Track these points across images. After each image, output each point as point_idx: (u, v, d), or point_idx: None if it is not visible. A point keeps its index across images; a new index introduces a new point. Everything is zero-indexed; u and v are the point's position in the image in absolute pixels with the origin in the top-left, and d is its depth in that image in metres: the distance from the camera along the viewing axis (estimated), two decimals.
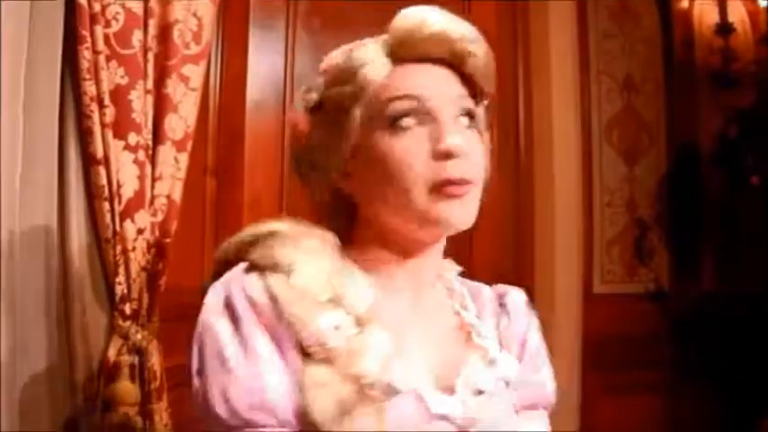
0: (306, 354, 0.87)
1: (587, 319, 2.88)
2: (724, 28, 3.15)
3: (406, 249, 0.98)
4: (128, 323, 1.55)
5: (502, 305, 1.09)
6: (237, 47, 2.00)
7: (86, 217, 1.53)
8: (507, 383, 1.01)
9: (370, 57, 0.95)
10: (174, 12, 1.61)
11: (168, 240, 1.61)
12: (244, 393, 0.85)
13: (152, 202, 1.58)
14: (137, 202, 1.54)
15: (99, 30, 1.48)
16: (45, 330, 1.46)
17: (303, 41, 2.14)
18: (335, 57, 0.99)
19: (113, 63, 1.51)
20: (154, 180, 1.59)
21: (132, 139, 1.53)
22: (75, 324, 1.50)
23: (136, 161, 1.54)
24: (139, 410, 1.55)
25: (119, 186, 1.52)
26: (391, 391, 0.87)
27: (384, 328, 0.90)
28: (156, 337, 1.60)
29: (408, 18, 0.94)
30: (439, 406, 0.90)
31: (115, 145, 1.51)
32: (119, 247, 1.52)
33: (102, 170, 1.50)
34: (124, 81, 1.52)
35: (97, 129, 1.50)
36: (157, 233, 1.60)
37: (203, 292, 0.99)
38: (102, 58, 1.49)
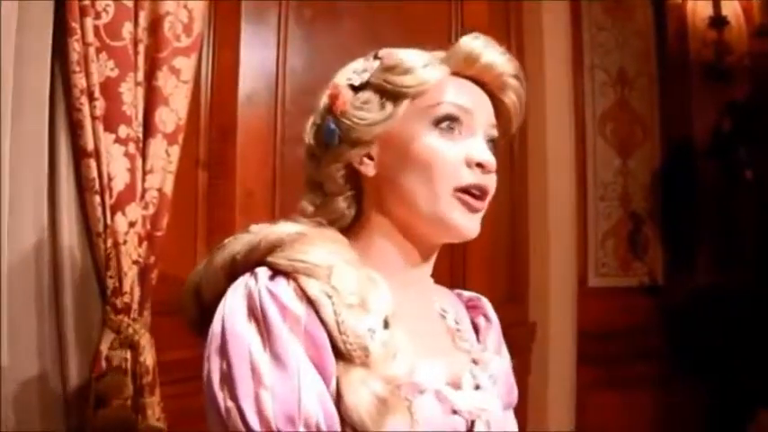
0: (344, 357, 0.86)
1: (582, 312, 2.88)
2: (717, 21, 3.15)
3: (412, 248, 1.00)
4: (119, 317, 1.54)
5: (474, 308, 1.15)
6: (229, 39, 1.99)
7: (77, 210, 1.52)
8: (495, 381, 1.05)
9: (430, 60, 1.01)
10: (165, 4, 1.60)
11: (160, 234, 1.60)
12: (279, 406, 0.82)
13: (143, 196, 1.58)
14: (128, 196, 1.53)
15: (89, 21, 1.47)
16: (36, 325, 1.46)
17: (295, 34, 2.13)
18: (396, 50, 1.03)
19: (103, 55, 1.50)
20: (145, 173, 1.58)
21: (123, 131, 1.52)
22: (67, 318, 1.49)
23: (126, 154, 1.53)
24: (132, 404, 1.54)
25: (109, 179, 1.51)
26: (417, 391, 0.90)
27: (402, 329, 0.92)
28: (149, 331, 1.59)
29: (476, 41, 1.02)
30: (455, 403, 0.94)
31: (106, 138, 1.50)
32: (110, 241, 1.51)
33: (92, 163, 1.50)
34: (114, 73, 1.51)
35: (87, 121, 1.49)
36: (149, 226, 1.59)
37: (194, 290, 0.98)
38: (92, 50, 1.48)
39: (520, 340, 2.59)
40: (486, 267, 2.54)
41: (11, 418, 1.39)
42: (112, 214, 1.52)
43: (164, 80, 1.60)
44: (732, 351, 2.86)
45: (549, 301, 2.81)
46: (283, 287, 0.87)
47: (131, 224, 1.54)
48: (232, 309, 0.88)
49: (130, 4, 1.54)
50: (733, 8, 3.21)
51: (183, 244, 1.84)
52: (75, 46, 1.46)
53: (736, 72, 3.13)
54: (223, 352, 0.86)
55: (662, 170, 3.19)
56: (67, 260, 1.50)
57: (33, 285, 1.46)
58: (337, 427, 0.84)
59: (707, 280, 3.09)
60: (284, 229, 0.94)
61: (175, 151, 1.63)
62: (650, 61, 3.21)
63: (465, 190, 0.97)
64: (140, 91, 1.56)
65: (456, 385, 0.97)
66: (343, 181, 1.02)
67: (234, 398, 0.83)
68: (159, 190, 1.60)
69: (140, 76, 1.56)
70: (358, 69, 1.03)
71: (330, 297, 0.87)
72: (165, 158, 1.61)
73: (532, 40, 2.81)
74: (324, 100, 1.04)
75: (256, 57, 2.06)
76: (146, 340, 1.57)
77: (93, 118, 1.49)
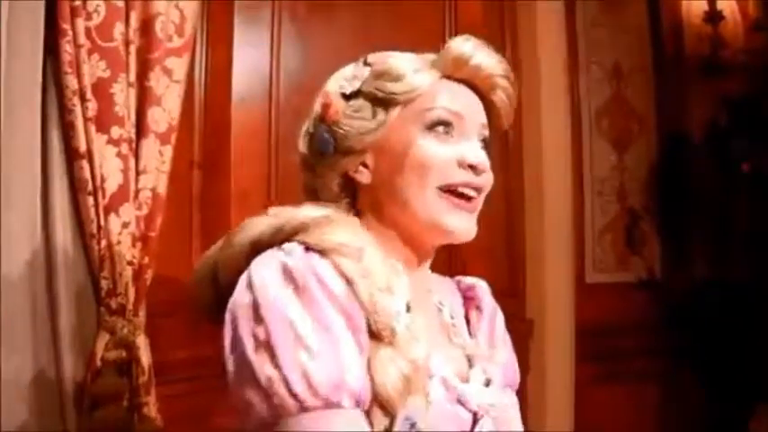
0: (374, 336, 0.88)
1: (580, 308, 2.88)
2: (713, 16, 3.15)
3: (411, 252, 1.02)
4: (114, 318, 1.54)
5: (470, 298, 1.15)
6: (222, 39, 1.99)
7: (71, 212, 1.52)
8: (504, 374, 1.08)
9: (420, 65, 1.01)
10: (156, 4, 1.60)
11: (154, 234, 1.60)
12: (326, 373, 0.81)
13: (136, 196, 1.58)
14: (121, 196, 1.53)
15: (80, 23, 1.48)
16: (30, 326, 1.45)
17: (289, 33, 2.12)
18: (386, 55, 1.04)
19: (95, 56, 1.50)
20: (138, 173, 1.58)
21: (115, 132, 1.52)
22: (62, 320, 1.49)
23: (119, 155, 1.53)
24: (127, 405, 1.55)
25: (102, 180, 1.51)
26: (428, 375, 0.92)
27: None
28: (144, 332, 1.59)
29: (464, 43, 1.02)
30: (461, 392, 0.96)
31: (98, 138, 1.51)
32: (104, 242, 1.52)
33: (85, 164, 1.50)
34: (106, 74, 1.51)
35: (80, 123, 1.49)
36: (143, 227, 1.59)
37: (211, 270, 0.98)
38: (83, 51, 1.48)
39: (517, 337, 2.59)
40: (483, 264, 2.53)
41: (6, 419, 1.39)
42: (106, 215, 1.52)
43: (155, 80, 1.60)
44: (731, 345, 2.85)
45: (546, 298, 2.81)
46: (322, 263, 0.89)
47: (125, 225, 1.54)
48: (263, 278, 0.87)
49: (121, 5, 1.54)
50: (728, 3, 3.21)
51: (177, 244, 1.84)
52: (67, 47, 1.46)
53: (731, 67, 3.12)
54: (258, 319, 0.85)
55: (658, 165, 3.18)
56: (61, 262, 1.50)
57: (28, 287, 1.45)
58: (368, 401, 0.85)
59: (704, 275, 3.08)
60: (309, 212, 0.95)
61: (168, 151, 1.63)
62: (646, 56, 3.20)
63: (452, 189, 0.98)
64: (132, 91, 1.56)
65: (462, 378, 0.99)
66: (339, 189, 1.03)
67: (277, 365, 0.82)
68: (153, 190, 1.60)
69: (132, 76, 1.56)
70: (348, 76, 1.03)
71: (365, 277, 0.89)
72: (158, 159, 1.61)
73: (527, 36, 2.80)
74: (316, 109, 1.04)
75: (250, 56, 2.05)
76: (141, 341, 1.57)
77: (86, 119, 1.49)
